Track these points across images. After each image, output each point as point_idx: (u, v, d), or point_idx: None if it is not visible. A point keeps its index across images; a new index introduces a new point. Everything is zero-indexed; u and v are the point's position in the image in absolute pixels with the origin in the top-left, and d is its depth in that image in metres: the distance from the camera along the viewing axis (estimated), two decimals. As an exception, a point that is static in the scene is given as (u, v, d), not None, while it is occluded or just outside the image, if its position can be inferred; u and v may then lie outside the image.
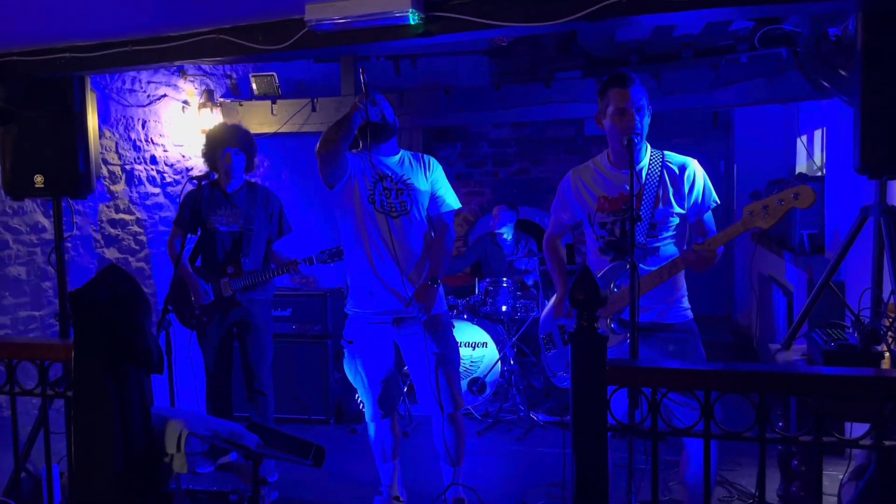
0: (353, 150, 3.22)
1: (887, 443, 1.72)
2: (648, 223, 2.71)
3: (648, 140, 2.79)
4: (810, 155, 5.71)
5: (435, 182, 3.25)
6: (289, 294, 4.96)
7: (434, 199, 3.24)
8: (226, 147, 3.77)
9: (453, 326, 3.42)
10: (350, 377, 3.36)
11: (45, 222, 4.04)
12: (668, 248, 2.77)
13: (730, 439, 1.81)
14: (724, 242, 2.59)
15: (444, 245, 3.22)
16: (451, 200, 3.29)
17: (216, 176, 3.83)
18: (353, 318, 3.27)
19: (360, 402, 4.91)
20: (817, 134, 5.63)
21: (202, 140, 4.02)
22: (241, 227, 3.82)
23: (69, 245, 4.12)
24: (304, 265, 3.77)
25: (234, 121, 5.45)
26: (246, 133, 3.90)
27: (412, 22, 2.48)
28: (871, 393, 1.73)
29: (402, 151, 3.27)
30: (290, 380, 4.72)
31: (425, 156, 3.31)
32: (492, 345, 4.98)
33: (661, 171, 2.74)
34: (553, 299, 3.08)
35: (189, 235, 3.87)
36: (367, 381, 3.27)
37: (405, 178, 3.19)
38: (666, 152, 2.81)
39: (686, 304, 2.83)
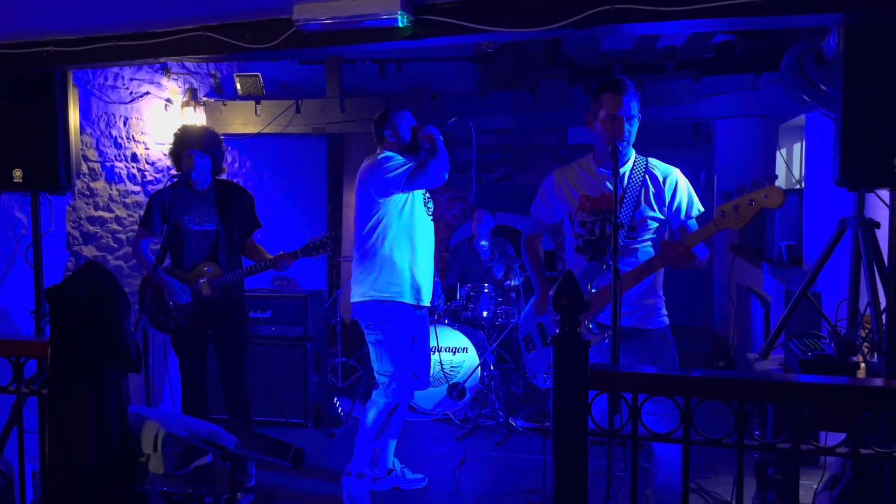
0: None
1: (863, 451, 1.74)
2: (628, 226, 2.75)
3: (635, 149, 2.83)
4: (789, 168, 5.78)
5: None
6: (269, 296, 4.92)
7: None
8: (189, 149, 3.73)
9: None
10: (385, 357, 3.56)
11: (22, 218, 3.98)
12: (647, 249, 2.81)
13: (709, 445, 1.82)
14: (697, 242, 2.63)
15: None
16: None
17: (196, 175, 3.79)
18: (393, 305, 3.52)
19: (339, 405, 4.91)
20: (796, 147, 5.71)
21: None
22: (216, 227, 3.77)
23: (46, 241, 4.06)
24: (287, 259, 3.70)
25: (217, 120, 5.42)
26: (212, 136, 3.85)
27: (401, 24, 2.48)
28: (849, 402, 1.75)
29: None
30: (268, 382, 4.68)
31: None
32: (472, 350, 4.97)
33: (644, 176, 2.79)
34: (532, 301, 3.10)
35: (156, 237, 3.84)
36: (404, 363, 3.57)
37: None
38: (650, 159, 2.85)
39: (664, 309, 2.87)
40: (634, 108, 2.72)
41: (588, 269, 2.76)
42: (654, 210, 2.78)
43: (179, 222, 3.75)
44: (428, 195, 3.69)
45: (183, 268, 3.80)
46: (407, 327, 3.56)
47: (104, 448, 2.11)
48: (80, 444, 2.09)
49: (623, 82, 2.72)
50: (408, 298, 3.52)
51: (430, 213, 3.69)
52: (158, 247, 3.68)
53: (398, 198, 3.49)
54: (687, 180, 2.84)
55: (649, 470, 2.86)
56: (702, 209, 2.84)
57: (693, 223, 2.82)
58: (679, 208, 2.79)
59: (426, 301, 3.63)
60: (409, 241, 3.53)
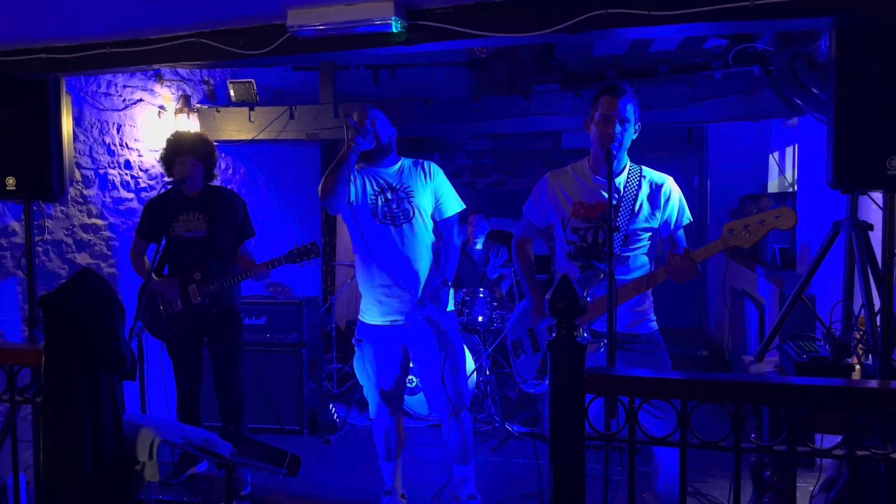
0: (355, 167, 3.31)
1: (860, 453, 1.75)
2: (623, 234, 2.74)
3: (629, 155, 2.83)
4: (782, 171, 5.81)
5: (437, 188, 3.31)
6: (263, 302, 4.91)
7: (436, 205, 3.32)
8: (183, 155, 3.72)
9: (459, 328, 3.50)
10: (358, 375, 3.43)
11: (16, 226, 3.96)
12: (640, 258, 2.82)
13: (706, 448, 1.82)
14: (704, 258, 2.62)
15: (444, 251, 3.29)
16: (450, 206, 3.33)
17: (189, 181, 3.78)
18: (361, 325, 3.34)
19: (335, 412, 4.90)
20: (789, 151, 5.74)
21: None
22: (205, 233, 3.75)
23: (40, 249, 4.05)
24: (263, 269, 3.67)
25: (210, 127, 5.41)
26: (206, 143, 3.85)
27: (394, 30, 2.49)
28: (845, 403, 1.76)
29: (401, 160, 3.34)
30: (263, 389, 4.66)
31: (426, 162, 3.37)
32: (468, 355, 4.97)
33: (639, 185, 2.79)
34: (522, 305, 3.09)
35: (154, 244, 3.81)
36: (375, 381, 3.34)
37: (405, 186, 3.27)
38: (644, 167, 2.85)
39: (653, 315, 2.88)
40: (630, 111, 2.71)
41: (585, 277, 2.75)
42: (647, 220, 2.78)
43: (170, 229, 3.74)
44: (395, 196, 3.24)
45: (173, 274, 3.79)
46: (370, 347, 3.30)
47: (99, 456, 2.10)
48: (74, 452, 2.08)
49: (621, 86, 2.72)
50: (367, 318, 3.30)
51: (391, 219, 3.22)
52: (154, 253, 3.65)
53: (344, 213, 3.25)
54: (679, 190, 2.85)
55: (649, 474, 2.85)
56: (690, 219, 2.84)
57: (681, 233, 2.83)
58: (670, 218, 2.80)
59: (392, 316, 3.23)
60: (363, 255, 3.27)
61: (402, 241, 3.23)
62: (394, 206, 3.23)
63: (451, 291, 3.35)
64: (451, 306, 3.33)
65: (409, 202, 3.25)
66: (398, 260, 3.22)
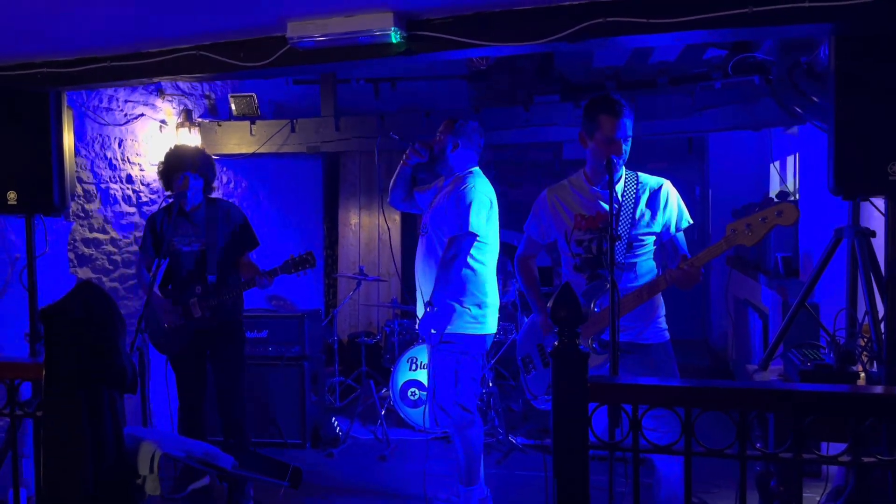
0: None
1: (865, 459, 1.73)
2: (626, 241, 2.74)
3: (626, 164, 2.83)
4: (783, 180, 5.80)
5: (450, 205, 3.30)
6: (265, 316, 4.89)
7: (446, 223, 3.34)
8: (184, 171, 3.71)
9: (459, 353, 3.35)
10: None
11: (17, 240, 3.96)
12: (646, 263, 2.81)
13: (711, 456, 1.80)
14: (708, 260, 2.61)
15: (438, 270, 3.27)
16: (454, 224, 3.26)
17: (191, 195, 3.77)
18: None
19: (337, 425, 4.88)
20: (790, 159, 5.74)
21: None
22: (203, 246, 3.74)
23: (41, 264, 4.05)
24: (264, 279, 3.63)
25: (212, 141, 5.43)
26: (206, 157, 3.84)
27: (394, 41, 2.49)
28: (850, 409, 1.74)
29: (457, 174, 3.44)
30: (265, 403, 4.64)
31: (467, 178, 3.39)
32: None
33: (636, 191, 2.79)
34: (529, 320, 3.08)
35: (160, 260, 3.78)
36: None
37: (435, 201, 3.44)
38: (639, 173, 2.86)
39: (664, 323, 2.85)
40: (630, 128, 2.73)
41: (591, 287, 2.74)
42: (648, 225, 2.78)
43: (170, 244, 3.73)
44: (427, 211, 3.49)
45: (175, 288, 3.78)
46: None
47: (100, 470, 2.09)
48: (75, 466, 2.06)
49: (619, 103, 2.71)
50: None
51: (422, 230, 3.48)
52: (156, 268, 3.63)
53: None
54: (677, 192, 2.85)
55: (651, 486, 2.83)
56: (690, 221, 2.84)
57: (681, 236, 2.83)
58: (669, 221, 2.80)
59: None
60: None
61: (421, 252, 3.43)
62: (426, 217, 3.46)
63: (462, 312, 3.29)
64: (467, 328, 3.30)
65: (428, 216, 3.44)
66: (418, 269, 3.44)
